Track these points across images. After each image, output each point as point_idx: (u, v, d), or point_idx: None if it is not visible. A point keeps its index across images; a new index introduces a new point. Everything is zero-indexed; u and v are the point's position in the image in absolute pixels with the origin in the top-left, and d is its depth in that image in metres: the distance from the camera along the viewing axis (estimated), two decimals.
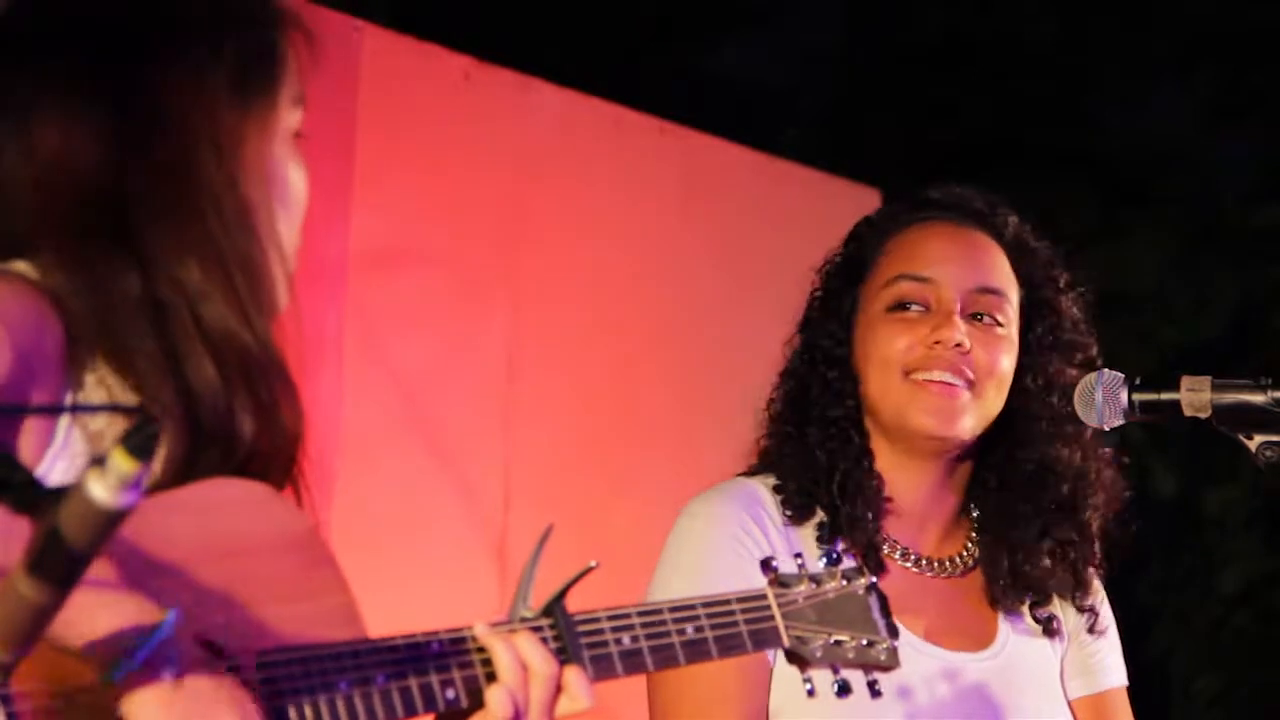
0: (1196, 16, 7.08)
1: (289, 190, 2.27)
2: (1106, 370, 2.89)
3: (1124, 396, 2.84)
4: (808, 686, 2.41)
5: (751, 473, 3.17)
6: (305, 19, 2.32)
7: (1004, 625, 3.15)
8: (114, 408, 2.09)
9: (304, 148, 2.31)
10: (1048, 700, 3.15)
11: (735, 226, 5.36)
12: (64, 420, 2.10)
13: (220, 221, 2.17)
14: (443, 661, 2.15)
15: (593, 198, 5.07)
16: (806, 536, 3.08)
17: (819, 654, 2.41)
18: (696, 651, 2.33)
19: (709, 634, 2.34)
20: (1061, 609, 3.20)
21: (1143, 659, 3.30)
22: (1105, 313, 3.27)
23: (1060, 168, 7.09)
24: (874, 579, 2.49)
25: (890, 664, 2.46)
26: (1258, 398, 2.76)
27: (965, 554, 3.17)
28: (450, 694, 2.16)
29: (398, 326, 4.61)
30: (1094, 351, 3.19)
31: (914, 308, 3.12)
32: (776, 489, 3.11)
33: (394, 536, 4.48)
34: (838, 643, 2.43)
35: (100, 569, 1.87)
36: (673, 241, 5.22)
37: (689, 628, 2.32)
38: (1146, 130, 7.18)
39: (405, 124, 4.66)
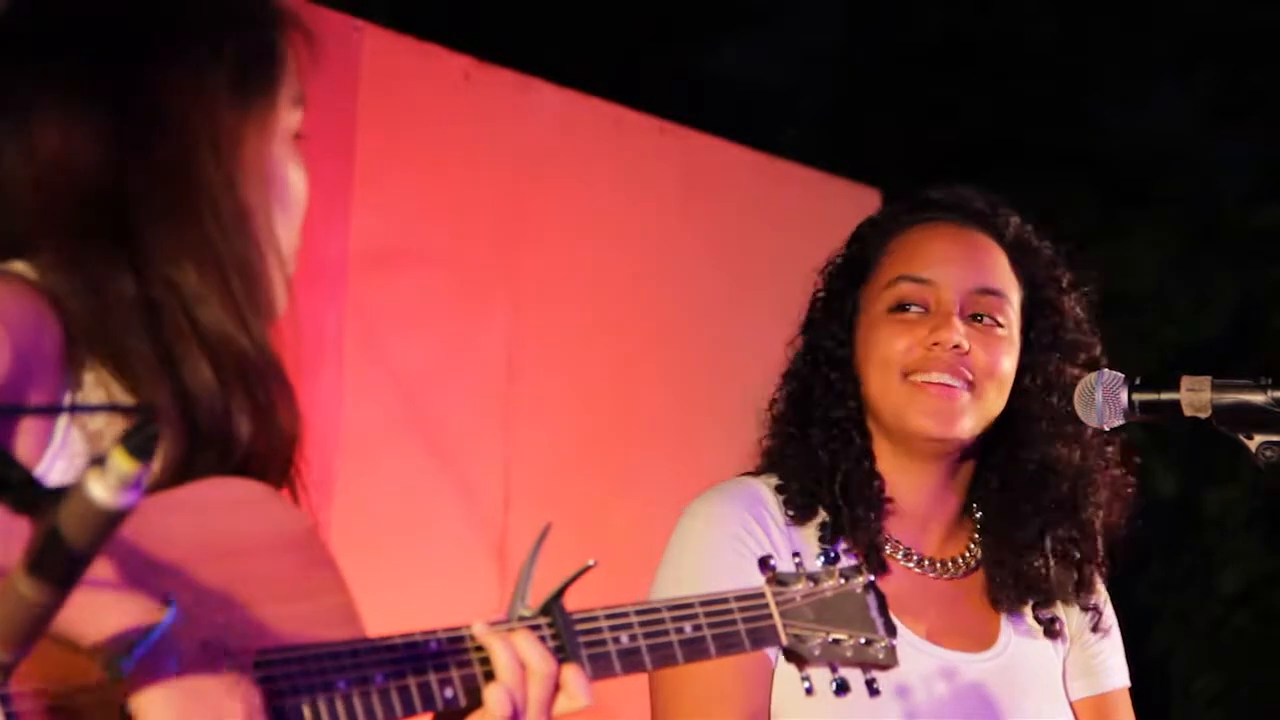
0: (1196, 16, 7.08)
1: (288, 191, 2.27)
2: (1106, 370, 2.89)
3: (1124, 396, 2.84)
4: (806, 685, 2.41)
5: (754, 473, 3.18)
6: (305, 19, 2.32)
7: (1006, 626, 3.15)
8: (113, 407, 2.09)
9: (304, 148, 2.31)
10: (1049, 701, 3.15)
11: (735, 226, 5.36)
12: (63, 420, 2.10)
13: (218, 223, 2.17)
14: (441, 661, 2.16)
15: (593, 198, 5.07)
16: (809, 537, 3.08)
17: (817, 652, 2.41)
18: (695, 650, 2.33)
19: (707, 632, 2.34)
20: (1064, 610, 3.20)
21: (1143, 659, 3.30)
22: (1105, 313, 3.27)
23: (1060, 168, 7.09)
24: (871, 577, 2.49)
25: (888, 662, 2.46)
26: (1258, 398, 2.76)
27: (968, 555, 3.18)
28: (448, 693, 2.16)
29: (398, 326, 4.61)
30: (1097, 352, 3.19)
31: (914, 309, 3.12)
32: (779, 489, 3.11)
33: (394, 536, 4.48)
34: (836, 641, 2.43)
35: (100, 568, 1.87)
36: (673, 241, 5.22)
37: (687, 626, 2.33)
38: (1146, 130, 7.17)
39: (405, 124, 4.66)
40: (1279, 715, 6.88)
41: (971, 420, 3.08)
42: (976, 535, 3.19)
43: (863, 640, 2.44)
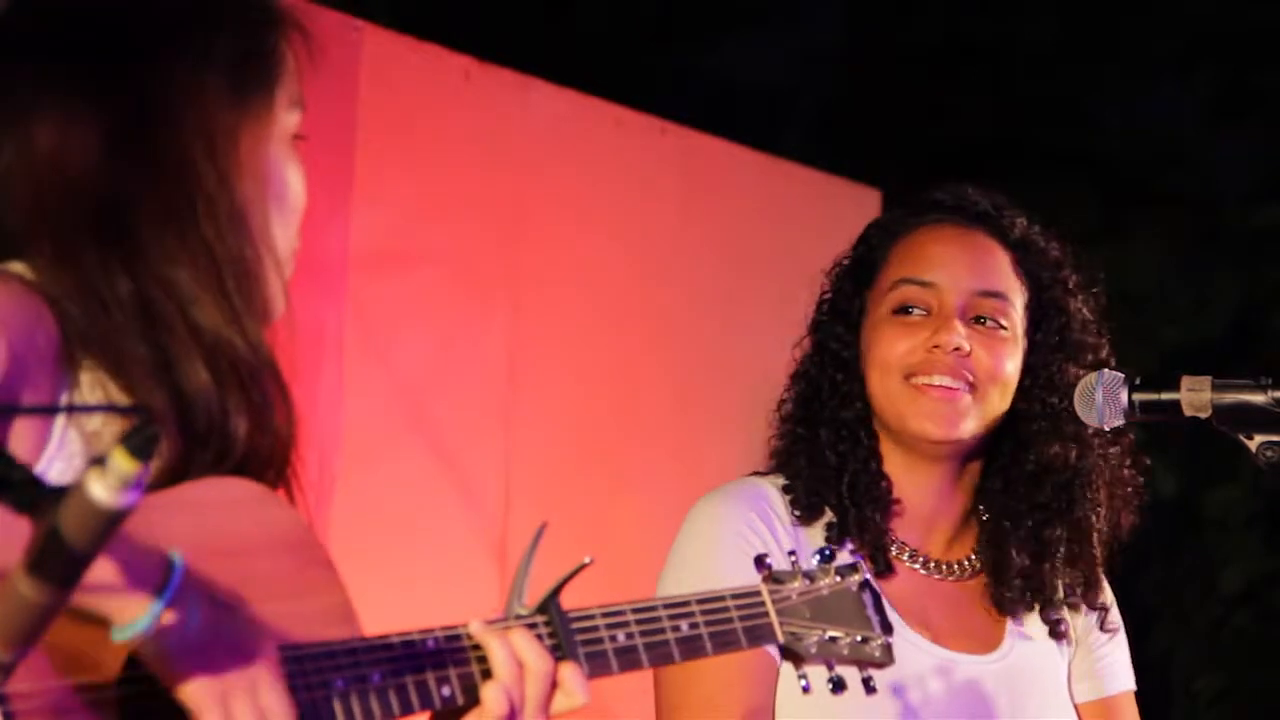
0: (1196, 16, 7.09)
1: (286, 192, 2.27)
2: (1106, 370, 2.89)
3: (1124, 396, 2.84)
4: (803, 683, 2.42)
5: (763, 473, 3.18)
6: (305, 19, 2.31)
7: (1011, 628, 3.15)
8: (110, 408, 2.09)
9: (304, 147, 2.30)
10: (1054, 704, 3.14)
11: (735, 226, 5.35)
12: (60, 420, 2.10)
13: (214, 224, 2.17)
14: (438, 659, 2.16)
15: (593, 197, 5.07)
16: (815, 537, 3.08)
17: (813, 650, 2.41)
18: (691, 648, 2.33)
19: (703, 631, 2.34)
20: (1069, 612, 3.19)
21: (1143, 659, 3.29)
22: (1105, 313, 3.27)
23: (1060, 168, 7.09)
24: (867, 575, 2.49)
25: (884, 660, 2.46)
26: (1258, 398, 2.76)
27: (974, 557, 3.17)
28: (446, 691, 2.16)
29: (398, 326, 4.61)
30: (1105, 353, 3.17)
31: (916, 311, 3.12)
32: (786, 489, 3.12)
33: (394, 536, 4.48)
34: (832, 639, 2.43)
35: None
36: (673, 241, 5.22)
37: (684, 625, 2.33)
38: (1146, 130, 7.18)
39: (405, 124, 4.66)
40: (1279, 715, 6.87)
41: (973, 422, 3.08)
42: (982, 537, 3.19)
43: (859, 638, 2.45)
